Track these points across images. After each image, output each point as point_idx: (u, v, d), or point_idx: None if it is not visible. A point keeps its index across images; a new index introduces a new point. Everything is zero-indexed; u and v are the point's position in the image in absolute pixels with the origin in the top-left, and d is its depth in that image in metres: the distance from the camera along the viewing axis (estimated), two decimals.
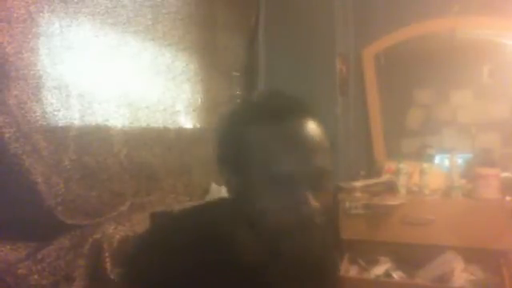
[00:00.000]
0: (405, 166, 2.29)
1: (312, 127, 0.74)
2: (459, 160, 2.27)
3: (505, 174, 2.15)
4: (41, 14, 1.16)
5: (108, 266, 1.27)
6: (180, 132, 1.80)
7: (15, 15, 1.08)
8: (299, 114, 0.75)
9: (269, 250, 0.75)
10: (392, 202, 2.18)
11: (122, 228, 1.37)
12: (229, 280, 0.75)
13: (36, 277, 1.10)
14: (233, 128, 0.78)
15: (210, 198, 1.85)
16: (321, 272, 0.89)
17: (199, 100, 1.96)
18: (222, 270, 0.75)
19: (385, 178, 2.41)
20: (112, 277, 1.26)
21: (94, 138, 1.33)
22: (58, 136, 1.19)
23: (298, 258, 0.75)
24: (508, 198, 2.07)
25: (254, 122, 0.74)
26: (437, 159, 2.50)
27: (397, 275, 2.15)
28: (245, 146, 0.74)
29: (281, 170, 0.71)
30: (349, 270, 2.24)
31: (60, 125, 1.21)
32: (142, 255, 0.80)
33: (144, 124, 1.59)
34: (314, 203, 0.71)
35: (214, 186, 1.94)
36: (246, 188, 0.74)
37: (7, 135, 1.03)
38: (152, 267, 0.75)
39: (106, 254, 1.28)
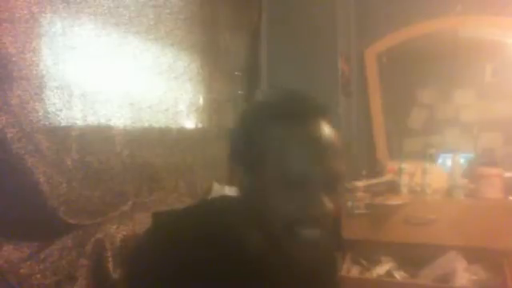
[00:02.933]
0: (407, 166, 2.29)
1: (327, 129, 0.74)
2: (461, 160, 2.27)
3: (507, 174, 2.14)
4: (43, 15, 1.16)
5: (110, 265, 1.27)
6: (182, 132, 1.80)
7: (18, 15, 1.08)
8: (315, 116, 0.75)
9: (276, 250, 0.75)
10: (394, 201, 2.18)
11: (125, 228, 1.38)
12: (233, 279, 0.75)
13: (38, 276, 1.10)
14: (248, 127, 0.78)
15: (212, 197, 1.85)
16: (323, 273, 0.90)
17: (201, 100, 1.96)
18: (225, 269, 0.74)
19: (387, 177, 2.41)
20: (114, 276, 1.27)
21: (96, 138, 1.34)
22: (60, 136, 1.20)
23: (307, 258, 0.75)
24: (510, 198, 2.07)
25: (269, 122, 0.74)
26: (439, 159, 2.50)
27: (399, 275, 2.15)
28: (260, 146, 0.74)
29: (296, 171, 0.70)
30: (351, 270, 2.24)
31: (62, 125, 1.21)
32: (143, 256, 0.80)
33: (146, 124, 1.59)
34: (329, 205, 0.71)
35: (216, 186, 1.94)
36: (260, 188, 0.73)
37: (9, 135, 1.03)
38: (153, 267, 0.75)
39: (109, 254, 1.28)
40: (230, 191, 1.73)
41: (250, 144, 0.75)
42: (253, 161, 0.74)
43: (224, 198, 0.89)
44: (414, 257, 2.17)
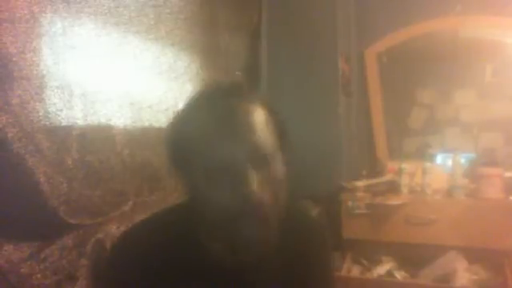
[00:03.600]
0: (407, 166, 2.29)
1: (243, 111, 0.71)
2: (462, 159, 2.27)
3: (508, 174, 2.14)
4: (43, 14, 1.16)
5: None
6: None
7: (18, 15, 1.08)
8: (232, 100, 0.72)
9: (226, 242, 0.72)
10: (394, 201, 2.18)
11: (125, 228, 1.37)
12: (200, 281, 0.74)
13: (39, 276, 1.10)
14: (172, 133, 0.77)
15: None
16: (299, 270, 0.86)
17: None
18: (191, 271, 0.74)
19: (387, 177, 2.41)
20: None
21: (96, 138, 1.33)
22: (60, 136, 1.19)
23: (255, 243, 0.70)
24: (511, 198, 2.07)
25: (186, 121, 0.74)
26: (439, 159, 2.50)
27: (399, 275, 2.15)
28: (183, 148, 0.73)
29: (215, 160, 0.68)
30: (351, 270, 2.24)
31: (63, 124, 1.21)
32: (114, 259, 0.82)
33: (146, 123, 1.59)
34: (259, 187, 0.66)
35: None
36: (194, 188, 0.72)
37: (10, 135, 1.03)
38: (123, 273, 0.76)
39: None
40: None
41: (176, 149, 0.75)
42: (182, 164, 0.73)
43: (180, 204, 0.86)
44: (415, 257, 2.17)
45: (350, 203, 2.26)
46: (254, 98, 0.74)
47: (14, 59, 1.06)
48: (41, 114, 1.13)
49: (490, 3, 2.39)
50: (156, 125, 1.64)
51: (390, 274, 2.17)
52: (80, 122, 1.28)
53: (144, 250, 0.76)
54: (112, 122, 1.41)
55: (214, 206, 0.69)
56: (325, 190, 2.33)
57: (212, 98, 0.73)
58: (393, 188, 2.31)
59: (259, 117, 0.71)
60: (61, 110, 1.20)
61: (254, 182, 0.66)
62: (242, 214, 0.67)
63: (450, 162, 2.31)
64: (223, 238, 0.71)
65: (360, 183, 2.34)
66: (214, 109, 0.70)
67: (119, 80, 1.46)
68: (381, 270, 2.19)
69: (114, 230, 1.34)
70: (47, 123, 1.15)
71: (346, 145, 2.62)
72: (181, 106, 0.78)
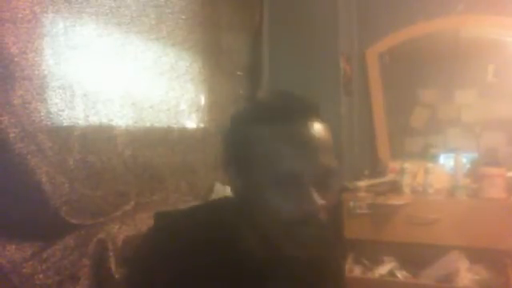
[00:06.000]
0: (409, 166, 2.29)
1: (317, 126, 0.75)
2: (464, 159, 2.27)
3: (510, 174, 2.14)
4: (45, 15, 1.16)
5: (112, 265, 1.27)
6: (184, 132, 1.80)
7: (20, 15, 1.08)
8: (304, 114, 0.75)
9: (273, 250, 0.75)
10: (396, 201, 2.18)
11: (127, 228, 1.37)
12: (233, 281, 0.75)
13: (41, 276, 1.10)
14: (238, 129, 0.78)
15: (214, 197, 1.84)
16: (326, 273, 0.90)
17: (203, 100, 1.96)
18: (225, 270, 0.75)
19: (389, 177, 2.40)
20: (116, 276, 1.27)
21: (98, 138, 1.34)
22: (62, 136, 1.20)
23: (303, 257, 0.76)
24: None
25: (258, 123, 0.75)
26: (441, 159, 2.50)
27: (401, 275, 2.15)
28: (250, 147, 0.74)
29: (285, 170, 0.71)
30: (353, 270, 2.24)
31: (64, 124, 1.21)
32: (145, 256, 0.81)
33: (148, 124, 1.59)
34: (320, 201, 0.71)
35: (218, 186, 1.94)
36: (252, 189, 0.74)
37: (12, 135, 1.03)
38: (155, 268, 0.76)
39: (111, 254, 1.28)
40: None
41: (241, 146, 0.76)
42: (244, 162, 0.75)
43: (225, 200, 0.89)
44: (417, 257, 2.16)
45: (351, 203, 2.25)
46: (322, 116, 0.78)
47: (16, 59, 1.06)
48: (42, 114, 1.13)
49: (491, 3, 2.38)
50: (158, 125, 1.65)
51: (391, 273, 2.17)
52: (82, 123, 1.28)
53: (181, 240, 0.78)
54: (114, 123, 1.41)
55: (275, 211, 0.72)
56: None
57: (288, 108, 0.75)
58: (395, 188, 2.31)
59: (327, 135, 0.76)
60: (62, 111, 1.20)
61: (317, 196, 0.71)
62: (301, 222, 0.71)
63: (451, 162, 2.30)
64: (271, 238, 0.75)
65: (362, 183, 2.33)
66: (292, 120, 0.73)
67: (121, 80, 1.46)
68: (382, 269, 2.19)
69: (116, 230, 1.34)
70: (49, 123, 1.15)
71: (348, 145, 2.61)
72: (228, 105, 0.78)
